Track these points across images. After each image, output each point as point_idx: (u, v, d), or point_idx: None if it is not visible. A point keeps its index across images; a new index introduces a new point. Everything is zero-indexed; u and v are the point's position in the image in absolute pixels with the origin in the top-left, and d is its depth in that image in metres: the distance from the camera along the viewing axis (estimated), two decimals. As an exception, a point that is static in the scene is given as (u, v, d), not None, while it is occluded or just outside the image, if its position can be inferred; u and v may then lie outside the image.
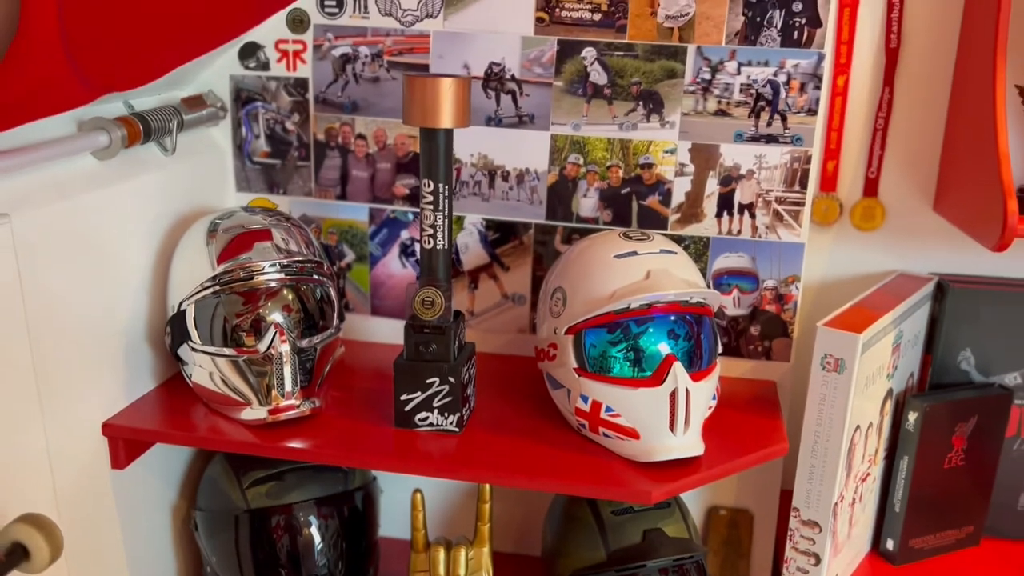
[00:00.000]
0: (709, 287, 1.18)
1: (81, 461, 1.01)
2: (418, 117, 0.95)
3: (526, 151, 1.19)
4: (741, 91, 1.12)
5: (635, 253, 0.99)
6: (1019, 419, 1.20)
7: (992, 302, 1.16)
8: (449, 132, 0.96)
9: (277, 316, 1.06)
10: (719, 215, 1.17)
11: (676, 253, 1.02)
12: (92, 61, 0.78)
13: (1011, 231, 0.96)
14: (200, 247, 1.07)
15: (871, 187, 1.21)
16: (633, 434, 0.96)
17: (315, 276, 1.08)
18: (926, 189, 1.19)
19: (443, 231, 0.99)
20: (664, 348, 0.98)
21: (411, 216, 1.25)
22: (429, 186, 0.97)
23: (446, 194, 0.98)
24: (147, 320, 1.12)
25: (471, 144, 1.20)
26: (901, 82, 1.15)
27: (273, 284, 1.06)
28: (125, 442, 1.06)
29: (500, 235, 1.23)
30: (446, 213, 0.98)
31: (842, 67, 1.15)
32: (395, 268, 1.28)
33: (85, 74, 0.79)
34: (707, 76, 1.13)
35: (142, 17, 0.76)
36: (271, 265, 1.05)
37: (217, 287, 1.03)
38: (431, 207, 0.98)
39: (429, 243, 1.00)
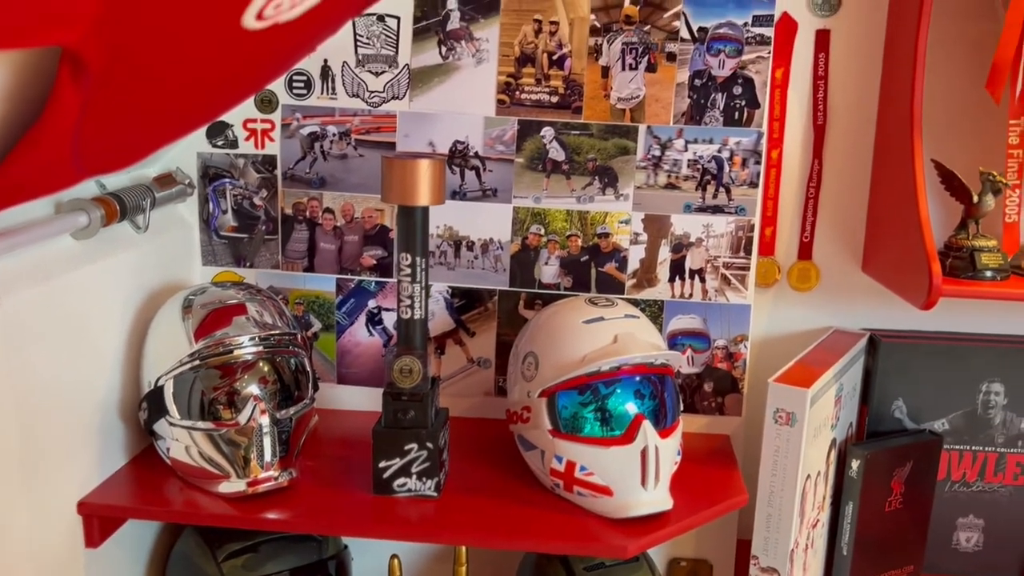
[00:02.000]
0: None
1: (57, 541, 1.00)
2: (396, 196, 1.00)
3: (490, 222, 1.26)
4: (689, 166, 1.21)
5: (602, 319, 1.06)
6: (948, 463, 1.29)
7: (920, 355, 1.26)
8: (425, 210, 1.02)
9: (254, 388, 1.08)
10: (672, 280, 1.25)
11: (639, 318, 1.09)
12: (91, 148, 0.81)
13: (936, 291, 1.06)
14: (175, 323, 1.09)
15: (805, 250, 1.30)
16: (607, 491, 1.01)
17: (291, 348, 1.11)
18: (855, 251, 1.29)
19: (420, 302, 1.04)
20: (632, 407, 1.04)
21: (377, 285, 1.30)
22: (407, 259, 1.02)
23: (423, 267, 1.03)
24: (120, 395, 1.12)
25: (438, 216, 1.26)
26: (828, 154, 1.25)
27: (250, 357, 1.08)
28: (100, 520, 1.05)
29: (466, 302, 1.29)
30: (423, 285, 1.03)
31: (775, 142, 1.26)
32: (361, 336, 1.31)
33: (80, 159, 0.82)
34: (657, 153, 1.21)
35: (149, 108, 0.80)
36: (249, 339, 1.08)
37: (196, 362, 1.05)
38: (408, 279, 1.03)
39: (407, 313, 1.04)
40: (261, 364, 1.10)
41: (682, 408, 1.11)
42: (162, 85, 0.81)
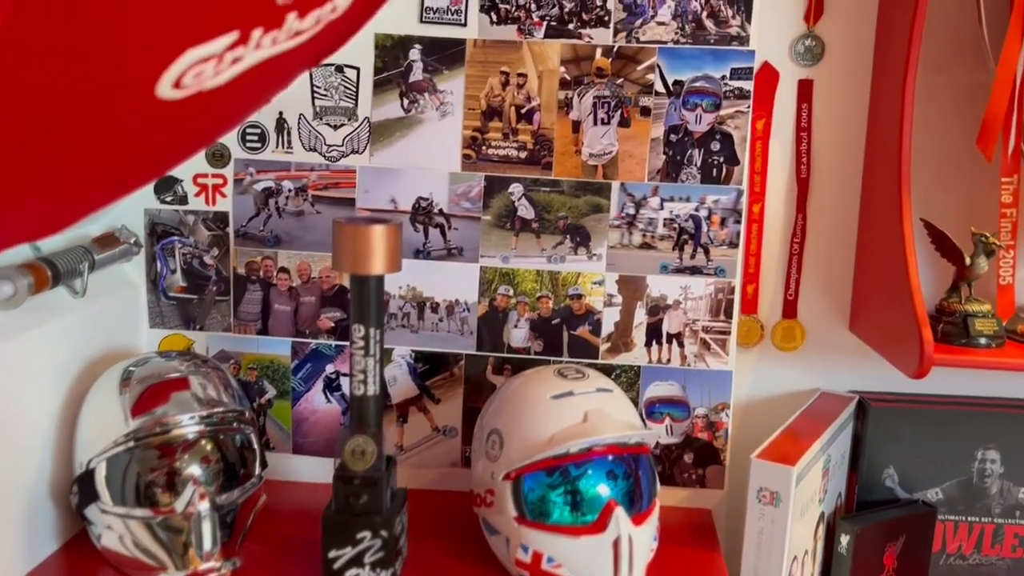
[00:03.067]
0: (642, 416, 1.18)
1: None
2: (348, 264, 0.93)
3: (456, 283, 1.18)
4: (665, 225, 1.15)
5: (571, 393, 0.98)
6: (943, 534, 1.22)
7: (911, 420, 1.19)
8: (380, 278, 0.95)
9: (195, 470, 1.00)
10: (648, 344, 1.17)
11: (611, 391, 1.02)
12: (9, 217, 0.73)
13: (928, 360, 1.00)
14: (112, 398, 1.01)
15: (790, 309, 1.24)
16: (576, 584, 0.93)
17: (236, 424, 1.03)
18: (842, 310, 1.23)
19: (374, 377, 0.96)
20: (604, 490, 0.96)
21: (335, 349, 1.22)
22: (360, 331, 0.95)
23: (377, 339, 0.95)
24: (51, 476, 1.03)
25: (399, 276, 1.18)
26: (813, 209, 1.19)
27: (192, 436, 1.00)
28: (23, 618, 0.96)
29: (430, 367, 1.21)
30: (377, 358, 0.96)
31: (757, 196, 1.20)
32: (319, 403, 1.23)
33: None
34: (631, 211, 1.15)
35: (67, 172, 0.72)
36: (190, 417, 0.99)
37: (132, 443, 0.97)
38: (362, 352, 0.95)
39: (359, 389, 0.96)
40: (203, 443, 1.01)
41: (659, 485, 1.03)
42: (76, 151, 0.74)
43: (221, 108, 0.76)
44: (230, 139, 1.19)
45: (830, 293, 1.21)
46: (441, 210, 1.17)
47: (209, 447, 1.02)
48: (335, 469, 0.96)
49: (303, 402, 1.24)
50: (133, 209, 1.21)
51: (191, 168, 1.20)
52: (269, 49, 0.69)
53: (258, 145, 1.18)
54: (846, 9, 1.14)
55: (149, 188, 1.20)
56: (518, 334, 1.19)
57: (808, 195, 1.21)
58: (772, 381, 1.24)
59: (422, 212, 1.18)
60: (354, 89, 1.16)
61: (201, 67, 0.66)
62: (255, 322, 1.22)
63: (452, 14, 1.13)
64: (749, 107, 1.12)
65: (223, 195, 1.20)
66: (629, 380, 1.18)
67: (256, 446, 1.06)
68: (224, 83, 0.70)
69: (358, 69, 1.16)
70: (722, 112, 1.12)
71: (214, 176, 1.20)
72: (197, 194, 1.20)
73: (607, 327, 1.18)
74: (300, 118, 1.17)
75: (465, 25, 1.13)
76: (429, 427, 1.22)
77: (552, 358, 1.19)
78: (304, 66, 1.06)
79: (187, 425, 0.99)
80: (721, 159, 1.13)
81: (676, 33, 1.11)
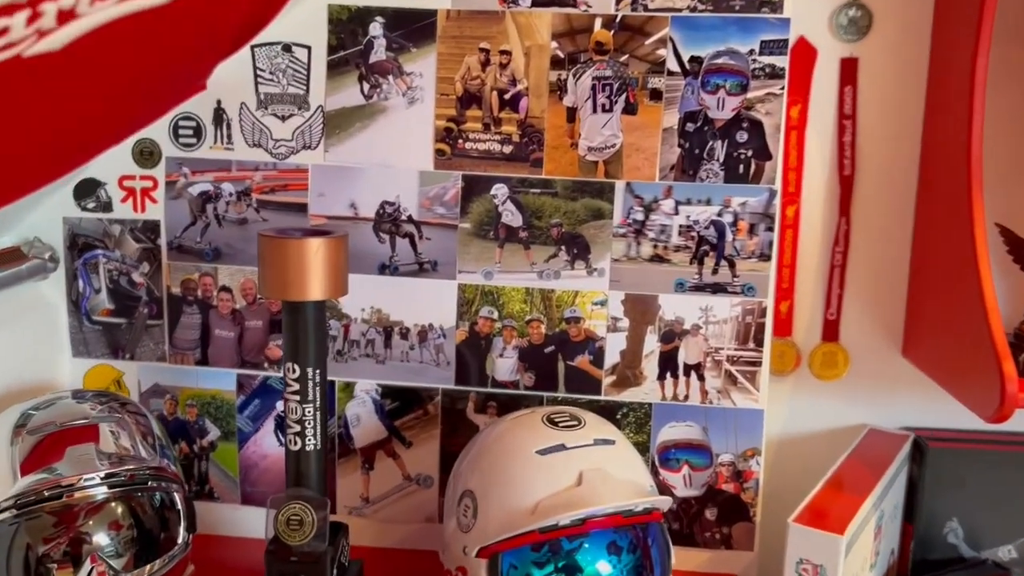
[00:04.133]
0: (654, 464, 0.98)
1: None
2: (278, 287, 0.74)
3: (429, 304, 0.99)
4: (680, 234, 0.95)
5: (563, 447, 0.78)
6: (1019, 602, 1.01)
7: (978, 463, 0.99)
8: (319, 305, 0.75)
9: (101, 538, 0.81)
10: (662, 377, 0.97)
11: (614, 443, 0.81)
12: None
13: (1012, 401, 0.80)
14: (2, 448, 0.82)
15: (831, 330, 1.06)
16: None
17: (152, 483, 0.84)
18: (893, 332, 1.04)
19: (314, 428, 0.76)
20: (604, 567, 0.77)
21: (291, 382, 1.02)
22: (294, 372, 0.75)
23: (318, 380, 0.76)
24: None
25: (362, 296, 0.99)
26: (858, 212, 1.02)
27: (99, 497, 0.81)
28: None
29: (400, 404, 1.01)
30: (318, 404, 0.76)
31: (791, 196, 1.00)
32: (270, 446, 1.04)
33: None
34: (639, 216, 0.95)
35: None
36: (93, 476, 0.80)
37: (14, 512, 0.78)
38: (297, 398, 0.76)
39: (296, 443, 0.77)
40: (112, 506, 0.82)
41: (675, 549, 0.82)
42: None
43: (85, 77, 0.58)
44: (160, 134, 1.00)
45: (879, 312, 1.04)
46: (410, 216, 0.98)
47: (119, 510, 0.83)
48: (267, 542, 0.77)
49: (252, 444, 1.05)
50: (49, 218, 1.02)
51: (115, 168, 1.01)
52: (115, 7, 0.50)
53: (193, 140, 0.99)
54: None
55: (68, 193, 1.02)
56: (504, 365, 0.99)
57: (853, 195, 1.02)
58: (810, 416, 1.06)
59: (388, 219, 0.98)
60: (304, 72, 0.97)
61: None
62: (193, 350, 1.03)
63: (420, -21, 0.93)
64: (783, 88, 0.92)
65: (153, 200, 1.01)
66: (638, 421, 0.98)
67: (180, 506, 0.87)
68: (61, 48, 0.51)
69: (309, 48, 0.96)
70: (750, 95, 0.92)
71: (142, 178, 1.01)
72: (123, 199, 1.01)
73: (611, 356, 0.98)
74: (241, 108, 0.98)
75: (436, -7, 0.93)
76: (400, 475, 1.03)
77: (546, 393, 0.99)
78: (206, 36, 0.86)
79: (87, 486, 0.80)
80: (749, 152, 0.92)
81: (693, -2, 0.91)
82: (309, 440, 0.77)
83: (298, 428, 0.76)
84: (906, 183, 0.99)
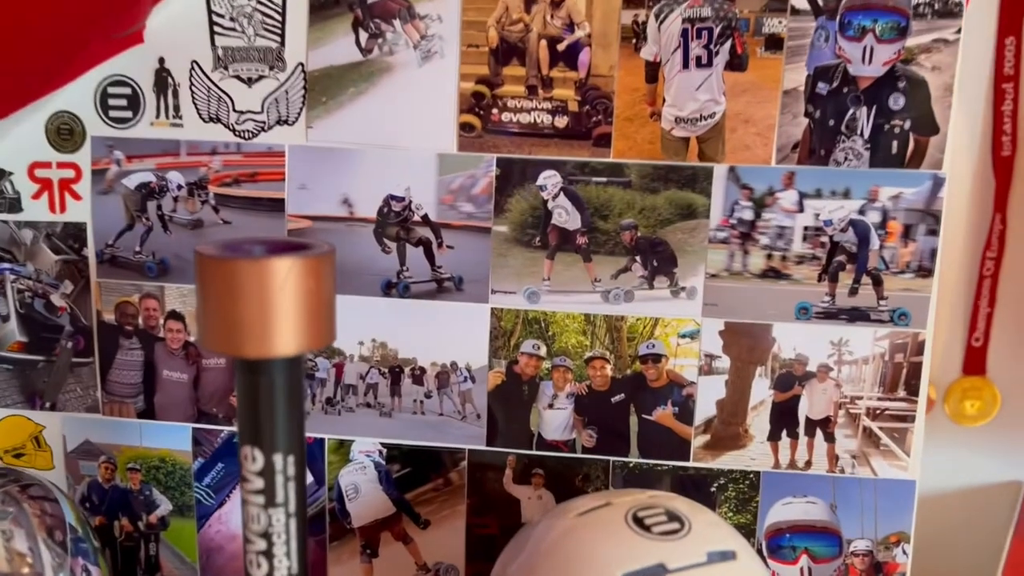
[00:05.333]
0: (761, 552, 0.71)
1: None
2: (224, 337, 0.47)
3: (451, 336, 0.73)
4: (806, 239, 0.68)
5: (663, 570, 0.52)
6: None
7: None
8: (293, 363, 0.48)
9: None
10: (775, 437, 0.71)
11: (735, 556, 0.55)
12: None
13: None
14: None
15: (975, 361, 0.84)
16: None
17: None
18: None
19: (287, 545, 0.50)
20: None
21: (266, 438, 0.76)
22: (255, 461, 0.49)
23: (291, 473, 0.49)
24: None
25: (360, 325, 0.73)
26: (1018, 207, 0.80)
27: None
28: None
29: (412, 470, 0.75)
30: (292, 509, 0.49)
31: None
32: (237, 524, 0.78)
33: None
34: (748, 215, 0.68)
35: None
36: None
37: None
38: (260, 500, 0.49)
39: (259, 568, 0.50)
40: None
41: None
42: None
43: None
44: (82, 104, 0.73)
45: None
46: (426, 216, 0.71)
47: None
48: None
49: (215, 522, 0.78)
50: (-64, 220, 0.75)
51: (24, 152, 0.74)
52: None
53: (127, 114, 0.73)
54: None
55: (-39, 186, 0.75)
56: (555, 419, 0.73)
57: (1012, 184, 0.80)
58: (946, 470, 0.85)
59: (395, 220, 0.72)
60: (278, 17, 0.70)
61: None
62: (134, 398, 0.77)
63: None
64: (959, 33, 0.64)
65: (76, 196, 0.75)
66: (740, 496, 0.72)
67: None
68: None
69: (284, -18, 0.69)
70: (910, 42, 0.64)
71: (60, 166, 0.74)
72: (35, 195, 0.75)
73: (704, 408, 0.71)
74: (193, 68, 0.71)
75: (461, -100, 0.66)
76: (413, 565, 0.76)
77: (612, 458, 0.72)
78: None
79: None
80: (906, 124, 0.65)
81: (831, -98, 0.63)
82: (280, 563, 0.50)
83: (262, 545, 0.49)
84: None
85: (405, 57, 0.69)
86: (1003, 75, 0.79)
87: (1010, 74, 0.79)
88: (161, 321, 0.76)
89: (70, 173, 0.74)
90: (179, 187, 0.73)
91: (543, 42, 0.68)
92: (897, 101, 0.65)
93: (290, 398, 0.49)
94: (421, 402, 0.74)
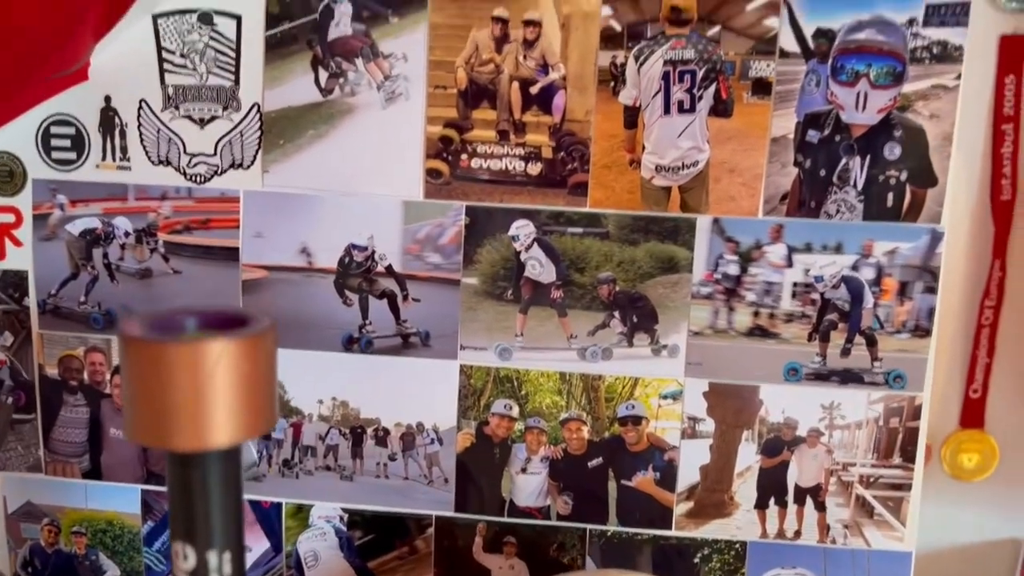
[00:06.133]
0: (748, 628, 0.67)
1: None
2: (148, 427, 0.42)
3: (417, 395, 0.68)
4: (795, 296, 0.64)
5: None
6: None
7: None
8: (230, 453, 0.44)
9: None
10: (762, 505, 0.67)
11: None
12: None
13: None
14: None
15: (973, 413, 0.79)
16: None
17: None
18: None
19: (225, 651, 0.45)
20: None
21: (221, 499, 0.71)
22: (187, 559, 0.44)
23: (228, 572, 0.44)
24: None
25: (320, 382, 0.68)
26: (1018, 253, 0.76)
27: None
28: None
29: (376, 537, 0.70)
30: (232, 611, 0.45)
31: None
32: (193, 592, 0.73)
33: None
34: (733, 270, 0.64)
35: None
36: None
37: None
38: (196, 602, 0.44)
39: (195, 677, 0.45)
40: None
41: None
42: None
43: None
44: (23, 145, 0.68)
45: None
46: (390, 267, 0.67)
47: None
48: None
49: (165, 590, 0.74)
50: None
51: (-40, 196, 0.69)
52: None
53: (71, 156, 0.68)
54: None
55: None
56: (529, 484, 0.68)
57: (1012, 229, 0.75)
58: (942, 526, 0.79)
59: (357, 271, 0.67)
60: (233, 55, 0.65)
61: None
62: (80, 457, 0.72)
63: (403, -88, 0.62)
64: (959, 79, 0.60)
65: (16, 243, 0.70)
66: (726, 568, 0.67)
67: None
68: None
69: (238, 18, 0.65)
70: (907, 88, 0.60)
71: (0, 210, 0.70)
72: (-28, 241, 0.70)
73: (687, 474, 0.67)
74: (141, 107, 0.67)
75: (427, -67, 0.62)
76: (376, 637, 0.72)
77: (589, 526, 0.68)
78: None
79: None
80: (902, 175, 0.61)
81: (822, -61, 0.59)
82: (214, 674, 0.45)
83: (196, 654, 0.45)
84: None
85: (368, 98, 0.65)
86: (1003, 116, 0.75)
87: (1010, 115, 0.75)
88: (108, 376, 0.71)
89: (10, 218, 0.70)
90: (127, 234, 0.69)
91: (515, 84, 0.63)
92: (893, 150, 0.61)
93: (226, 491, 0.45)
94: (385, 465, 0.69)
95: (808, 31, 0.60)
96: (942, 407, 0.81)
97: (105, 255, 0.69)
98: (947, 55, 0.60)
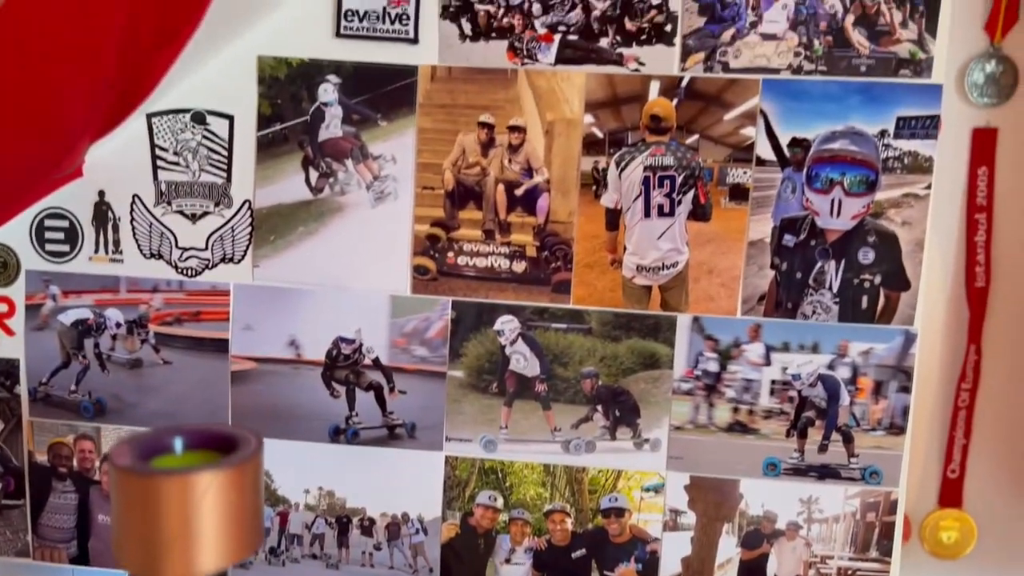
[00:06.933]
0: None
1: None
2: (137, 556, 0.43)
3: (403, 485, 0.70)
4: (773, 393, 0.66)
5: None
6: None
7: None
8: None
9: None
10: (741, 597, 0.68)
11: None
12: None
13: None
14: None
15: (952, 493, 0.81)
16: None
17: None
18: None
19: None
20: None
21: (208, 584, 0.72)
22: None
23: None
24: None
25: (306, 472, 0.70)
26: (993, 338, 0.78)
27: None
28: None
29: (361, 624, 0.71)
30: None
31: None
32: None
33: None
34: (713, 367, 0.66)
35: None
36: None
37: None
38: None
39: None
40: None
41: None
42: None
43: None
44: (18, 237, 0.69)
45: (1018, 471, 0.81)
46: (377, 360, 0.68)
47: None
48: None
49: (151, 675, 0.74)
50: None
51: (-48, 285, 0.71)
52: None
53: (64, 248, 0.69)
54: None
55: None
56: (513, 574, 0.69)
57: (986, 315, 0.78)
58: None
59: (345, 364, 0.68)
60: (225, 153, 0.67)
61: None
62: (67, 543, 0.73)
63: (392, 22, 0.63)
64: (929, 188, 0.62)
65: (9, 332, 0.71)
66: (707, 658, 0.68)
67: None
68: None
69: (231, 118, 0.67)
70: (880, 196, 0.63)
71: (-7, 299, 0.71)
72: (-34, 329, 0.71)
73: (669, 566, 0.68)
74: (134, 202, 0.68)
75: (416, 41, 0.64)
76: None
77: (572, 618, 0.69)
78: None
79: None
80: (876, 279, 0.63)
81: (797, 53, 0.61)
82: None
83: None
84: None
85: (357, 197, 0.67)
86: (975, 205, 0.77)
87: (983, 204, 0.77)
88: (97, 463, 0.72)
89: (3, 307, 0.71)
90: (118, 325, 0.70)
91: (501, 186, 0.65)
92: (867, 255, 0.63)
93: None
94: (370, 554, 0.70)
95: (784, 140, 0.63)
96: (921, 487, 0.83)
97: (96, 345, 0.70)
98: (918, 165, 0.62)
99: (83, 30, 0.43)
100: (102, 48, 0.46)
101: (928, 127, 0.62)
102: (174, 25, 0.49)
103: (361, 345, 0.69)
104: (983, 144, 0.77)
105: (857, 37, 0.61)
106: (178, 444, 0.48)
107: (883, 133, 0.62)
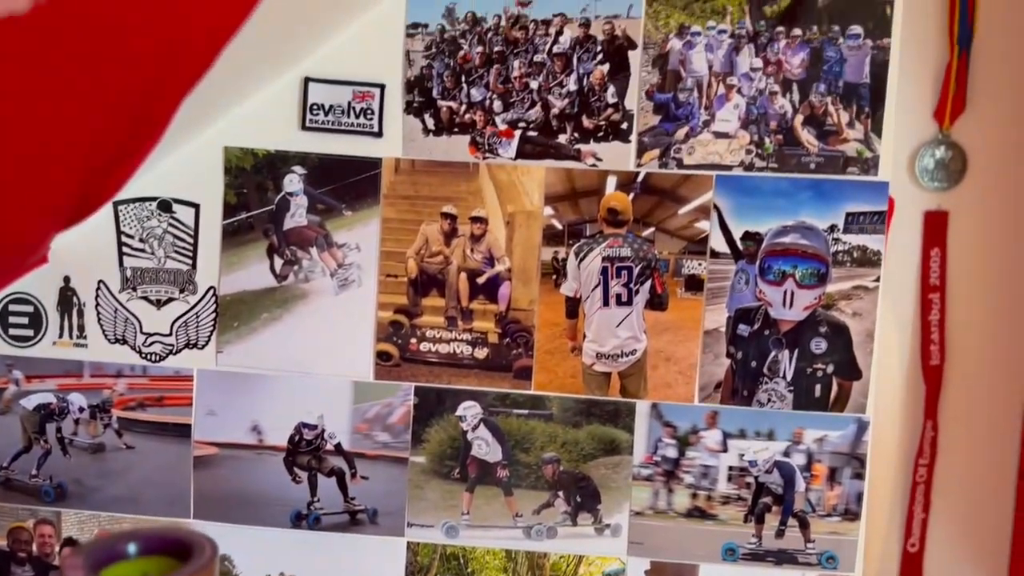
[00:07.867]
0: None
1: None
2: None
3: (364, 571, 0.69)
4: (731, 479, 0.67)
5: None
6: None
7: None
8: None
9: None
10: None
11: None
12: None
13: None
14: None
15: (912, 566, 0.82)
16: None
17: None
18: (995, 567, 0.80)
19: None
20: None
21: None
22: None
23: None
24: None
25: (267, 560, 0.70)
26: (949, 414, 0.81)
27: None
28: None
29: None
30: None
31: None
32: None
33: None
34: (671, 453, 0.67)
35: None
36: None
37: None
38: None
39: None
40: None
41: None
42: None
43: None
44: (-19, 322, 0.70)
45: (976, 544, 0.82)
46: (339, 446, 0.69)
47: None
48: None
49: None
50: None
51: (-85, 368, 0.70)
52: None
53: (28, 333, 0.69)
54: (999, 98, 0.75)
55: None
56: (475, 660, 0.69)
57: (941, 392, 0.80)
58: None
59: (307, 449, 0.69)
60: (190, 240, 0.68)
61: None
62: (24, 629, 0.72)
63: (357, 116, 0.65)
64: (878, 281, 0.64)
65: (-30, 416, 0.71)
66: None
67: None
68: None
69: (196, 207, 0.68)
70: (831, 288, 0.64)
71: (-45, 383, 0.71)
72: (-74, 412, 0.71)
73: (630, 650, 0.68)
74: (99, 288, 0.69)
75: (380, 135, 0.66)
76: None
77: None
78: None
79: None
80: (829, 368, 0.65)
81: (749, 151, 0.63)
82: None
83: None
84: (1014, 375, 0.77)
85: (321, 284, 0.68)
86: (929, 285, 0.79)
87: (936, 284, 0.79)
88: (57, 548, 0.71)
89: (-35, 391, 0.71)
90: (81, 409, 0.70)
91: (463, 275, 0.67)
92: (819, 345, 0.64)
93: None
94: (332, 639, 0.70)
95: (737, 234, 0.65)
96: (882, 561, 0.84)
97: (59, 429, 0.70)
98: (867, 259, 0.64)
99: (47, 147, 0.44)
100: (64, 166, 0.47)
101: (876, 222, 0.64)
102: (136, 143, 0.50)
103: (323, 431, 0.69)
104: (935, 226, 0.79)
105: (806, 136, 0.63)
106: (132, 549, 0.48)
107: (833, 228, 0.64)
